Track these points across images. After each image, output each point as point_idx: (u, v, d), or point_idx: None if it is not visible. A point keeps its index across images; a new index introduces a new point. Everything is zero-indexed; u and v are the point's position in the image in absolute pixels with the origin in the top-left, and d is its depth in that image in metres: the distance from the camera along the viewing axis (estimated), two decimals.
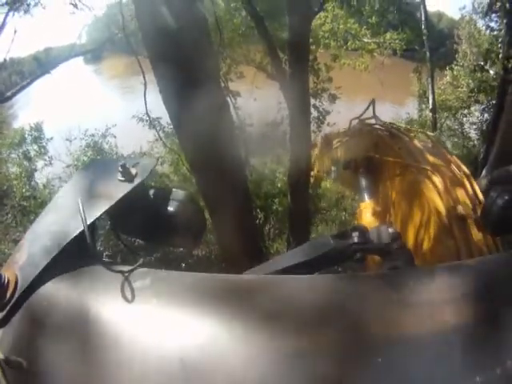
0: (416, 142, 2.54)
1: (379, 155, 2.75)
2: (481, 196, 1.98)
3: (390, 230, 0.67)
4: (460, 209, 1.91)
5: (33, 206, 6.90)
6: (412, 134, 2.75)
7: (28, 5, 8.18)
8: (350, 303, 0.46)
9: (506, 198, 0.65)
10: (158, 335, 0.44)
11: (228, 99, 3.62)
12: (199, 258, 5.42)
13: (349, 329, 0.43)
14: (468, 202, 1.98)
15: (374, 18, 7.65)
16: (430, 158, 2.28)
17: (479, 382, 0.37)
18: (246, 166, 4.37)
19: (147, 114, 4.24)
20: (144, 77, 3.42)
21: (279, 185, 5.30)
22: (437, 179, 2.09)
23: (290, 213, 4.49)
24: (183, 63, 2.65)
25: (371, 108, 3.31)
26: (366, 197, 2.84)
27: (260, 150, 5.00)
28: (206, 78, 2.80)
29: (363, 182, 2.87)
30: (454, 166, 2.21)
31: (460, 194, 2.02)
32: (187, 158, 3.41)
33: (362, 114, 3.56)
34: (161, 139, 4.62)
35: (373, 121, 3.24)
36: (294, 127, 3.71)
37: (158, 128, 5.53)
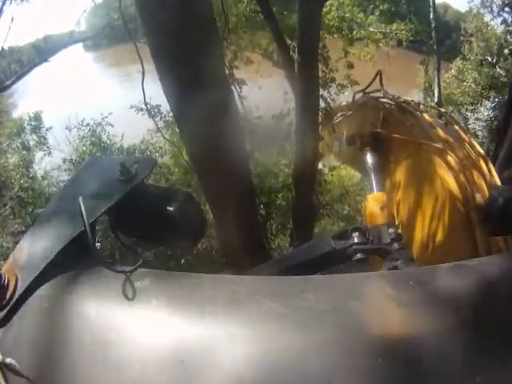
0: (428, 117, 2.32)
1: (388, 131, 2.55)
2: (499, 182, 1.85)
3: (391, 230, 0.67)
4: (478, 196, 1.76)
5: (31, 197, 6.82)
6: (423, 109, 2.53)
7: None
8: (350, 303, 0.45)
9: (507, 197, 0.64)
10: (158, 336, 0.44)
11: (233, 88, 3.50)
12: (199, 253, 5.38)
13: (349, 329, 0.42)
14: (485, 188, 1.81)
15: (384, 5, 7.47)
16: (445, 137, 2.09)
17: (479, 382, 0.37)
18: (250, 159, 4.27)
19: (145, 104, 4.12)
20: (142, 65, 3.27)
21: (283, 179, 5.23)
22: (453, 161, 1.91)
23: (294, 208, 4.41)
24: (185, 52, 2.52)
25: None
26: (373, 179, 2.55)
27: (264, 143, 4.91)
28: (210, 66, 2.68)
29: (369, 161, 2.64)
30: (469, 147, 2.03)
31: (478, 178, 1.85)
32: (188, 150, 3.31)
33: (367, 87, 3.38)
34: (160, 131, 4.49)
35: (377, 94, 3.06)
36: (301, 119, 3.59)
37: (158, 117, 5.41)
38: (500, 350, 0.40)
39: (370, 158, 2.61)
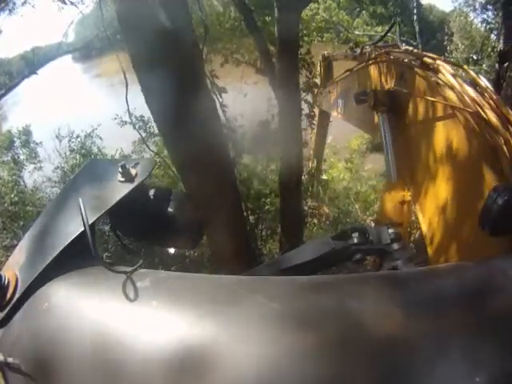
0: (456, 76, 1.96)
1: (407, 90, 2.20)
2: None
3: (390, 230, 0.67)
4: None
5: (22, 211, 6.78)
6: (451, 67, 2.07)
7: (14, 3, 8.04)
8: (350, 304, 0.45)
9: (506, 197, 0.63)
10: (158, 337, 0.43)
11: (215, 97, 3.51)
12: (191, 261, 5.35)
13: (349, 329, 0.42)
14: None
15: (370, 8, 7.61)
16: (478, 101, 1.75)
17: (479, 382, 0.37)
18: (236, 167, 4.27)
19: (129, 116, 4.13)
20: (125, 76, 3.29)
21: (270, 184, 5.23)
22: (489, 129, 1.61)
23: (282, 213, 4.40)
24: (166, 62, 2.54)
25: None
26: (388, 143, 2.28)
27: (250, 150, 4.92)
28: (190, 76, 2.69)
29: (384, 122, 2.34)
30: (504, 114, 1.69)
31: None
32: (172, 159, 3.32)
33: (380, 40, 3.15)
34: (145, 143, 4.49)
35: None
36: (284, 124, 3.60)
37: (144, 127, 5.41)
38: (500, 350, 0.40)
39: (384, 119, 2.36)
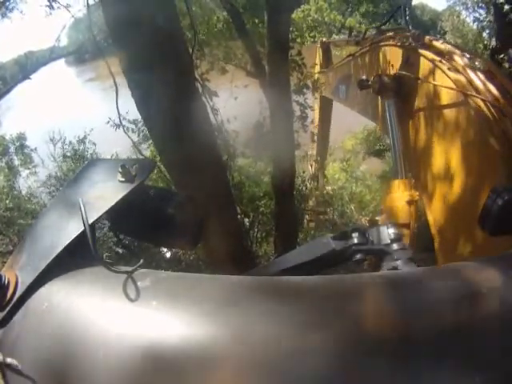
0: (466, 62, 1.91)
1: (414, 74, 2.12)
2: None
3: (391, 230, 0.67)
4: None
5: (17, 216, 6.75)
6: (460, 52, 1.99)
7: (6, 8, 8.01)
8: (350, 304, 0.45)
9: (506, 197, 0.63)
10: (159, 336, 0.44)
11: (205, 100, 3.51)
12: (187, 264, 5.34)
13: (349, 329, 0.42)
14: None
15: (363, 7, 7.64)
16: (489, 87, 1.69)
17: (479, 383, 0.37)
18: (228, 169, 4.26)
19: (120, 121, 4.13)
20: (115, 82, 3.29)
21: (265, 187, 5.22)
22: (502, 117, 1.57)
23: (276, 215, 4.40)
24: (156, 68, 2.53)
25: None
26: (394, 129, 2.20)
27: (243, 152, 4.92)
28: (181, 81, 2.69)
29: (390, 108, 2.26)
30: None
31: None
32: (164, 163, 3.31)
33: (384, 23, 3.07)
34: (136, 148, 4.50)
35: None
36: (276, 126, 3.61)
37: (138, 131, 5.40)
38: (500, 350, 0.40)
39: (390, 105, 2.28)
